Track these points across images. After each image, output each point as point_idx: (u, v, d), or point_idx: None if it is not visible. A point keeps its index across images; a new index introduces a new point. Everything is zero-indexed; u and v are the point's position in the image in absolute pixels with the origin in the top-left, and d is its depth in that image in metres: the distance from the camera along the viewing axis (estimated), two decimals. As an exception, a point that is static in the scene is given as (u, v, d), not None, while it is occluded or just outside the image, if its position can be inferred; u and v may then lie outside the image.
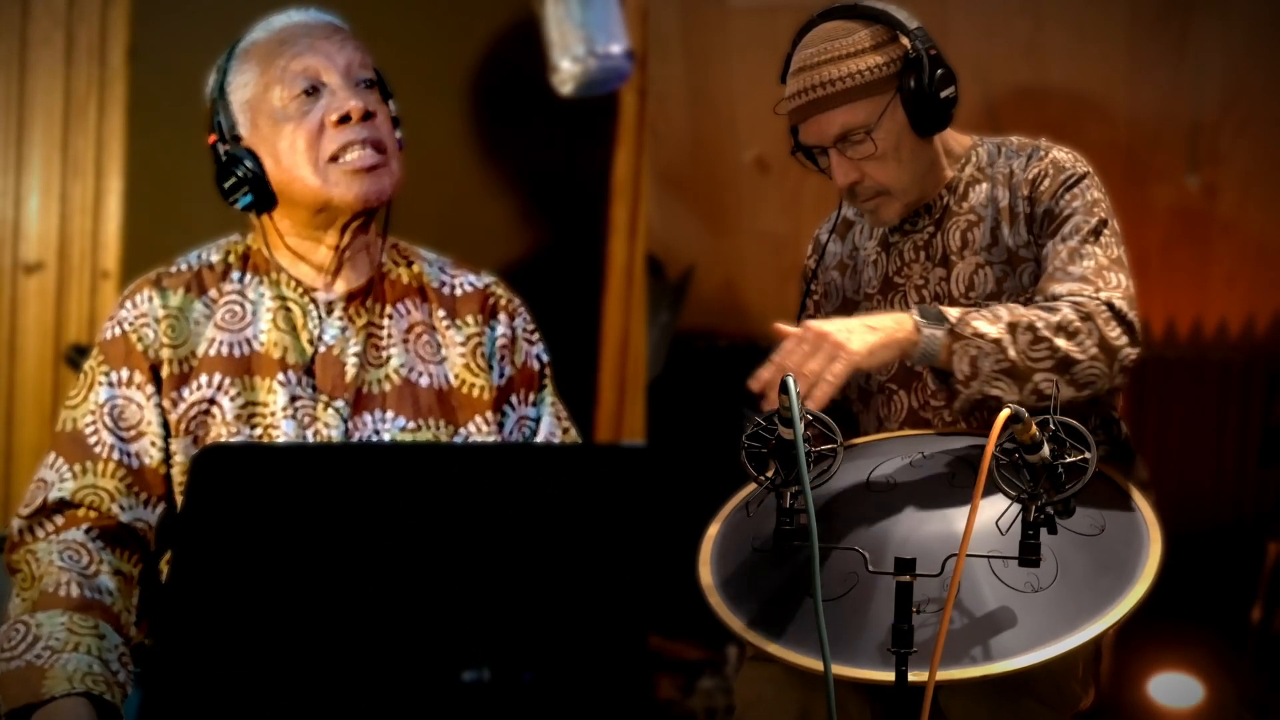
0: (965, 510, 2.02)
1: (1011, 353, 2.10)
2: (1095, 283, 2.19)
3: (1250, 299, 4.15)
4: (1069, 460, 1.91)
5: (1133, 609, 1.96)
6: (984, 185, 2.40)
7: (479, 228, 4.13)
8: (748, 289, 4.64)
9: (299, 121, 2.24)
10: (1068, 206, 2.29)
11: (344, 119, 2.24)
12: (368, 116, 2.25)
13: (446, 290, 2.41)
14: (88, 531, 2.18)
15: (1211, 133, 4.05)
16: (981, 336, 2.10)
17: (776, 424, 1.95)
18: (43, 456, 2.26)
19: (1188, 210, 4.03)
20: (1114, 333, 2.15)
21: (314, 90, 2.25)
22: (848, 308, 2.49)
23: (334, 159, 2.24)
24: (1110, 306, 2.15)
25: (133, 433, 2.23)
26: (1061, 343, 2.12)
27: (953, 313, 2.12)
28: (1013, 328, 2.11)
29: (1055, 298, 2.19)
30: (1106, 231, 2.26)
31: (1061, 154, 2.35)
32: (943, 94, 2.30)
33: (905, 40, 2.31)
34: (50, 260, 3.69)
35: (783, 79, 2.38)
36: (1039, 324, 2.11)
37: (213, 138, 2.29)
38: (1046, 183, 2.33)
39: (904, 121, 2.31)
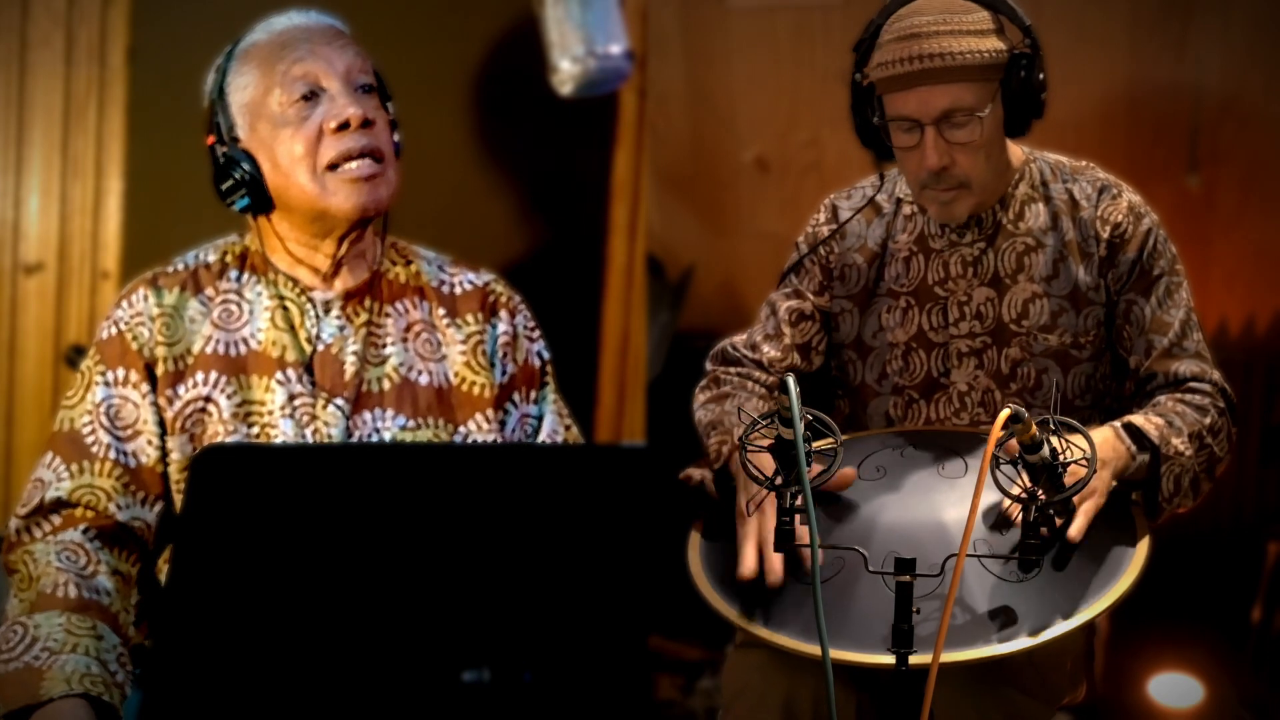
0: (952, 497, 2.04)
1: (1194, 465, 2.19)
2: (1207, 359, 2.30)
3: (1250, 299, 4.14)
4: (1069, 460, 1.91)
5: (1117, 601, 1.98)
6: (1041, 207, 2.34)
7: (479, 228, 4.13)
8: (748, 289, 4.63)
9: (297, 127, 2.23)
10: (1156, 265, 2.31)
11: (343, 126, 2.23)
12: (366, 124, 2.24)
13: (446, 289, 2.40)
14: (85, 531, 2.18)
15: (1211, 133, 4.04)
16: (1181, 455, 2.17)
17: (776, 424, 1.95)
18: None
19: (1188, 210, 4.03)
20: (1233, 426, 2.27)
21: (313, 95, 2.25)
22: (864, 297, 2.42)
23: (332, 167, 2.23)
24: (1226, 394, 2.27)
25: (129, 432, 2.23)
26: (1210, 442, 2.22)
27: (1152, 431, 2.16)
28: (1193, 439, 2.19)
29: (1184, 380, 2.27)
30: (1186, 284, 2.32)
31: (1134, 196, 2.35)
32: (1042, 96, 2.25)
33: (1016, 32, 2.24)
34: (50, 261, 3.68)
35: (858, 47, 2.29)
36: (1204, 432, 2.21)
37: (211, 139, 2.29)
38: (1130, 231, 2.31)
39: (1000, 116, 2.25)
